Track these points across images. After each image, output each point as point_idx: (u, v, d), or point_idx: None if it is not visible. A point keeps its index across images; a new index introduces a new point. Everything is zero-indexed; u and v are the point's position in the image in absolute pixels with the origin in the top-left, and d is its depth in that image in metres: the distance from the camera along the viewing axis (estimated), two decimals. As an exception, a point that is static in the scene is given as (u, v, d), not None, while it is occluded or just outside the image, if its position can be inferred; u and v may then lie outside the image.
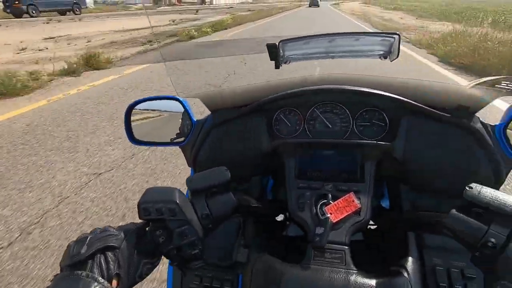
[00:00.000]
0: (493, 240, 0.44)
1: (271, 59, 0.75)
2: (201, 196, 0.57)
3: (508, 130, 0.67)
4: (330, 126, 0.80)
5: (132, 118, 0.87)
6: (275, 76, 0.94)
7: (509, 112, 0.66)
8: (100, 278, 0.44)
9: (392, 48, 0.70)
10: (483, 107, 0.67)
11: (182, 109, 0.83)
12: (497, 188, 0.68)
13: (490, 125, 0.69)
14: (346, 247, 0.61)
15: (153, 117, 0.90)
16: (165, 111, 0.88)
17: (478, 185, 0.49)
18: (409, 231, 0.69)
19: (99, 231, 0.50)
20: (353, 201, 0.66)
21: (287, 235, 0.84)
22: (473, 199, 0.47)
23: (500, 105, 1.84)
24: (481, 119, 0.69)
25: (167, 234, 0.52)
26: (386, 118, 0.76)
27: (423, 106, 0.69)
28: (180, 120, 0.87)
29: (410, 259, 0.63)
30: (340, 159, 0.76)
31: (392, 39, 0.69)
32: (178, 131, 0.88)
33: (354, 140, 0.76)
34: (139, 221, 0.54)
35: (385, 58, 0.73)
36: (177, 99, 0.82)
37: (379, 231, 0.85)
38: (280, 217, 0.93)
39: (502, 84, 0.73)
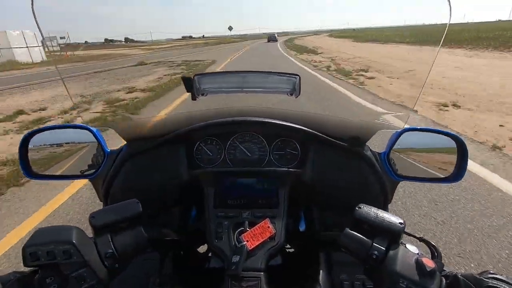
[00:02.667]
0: (376, 253, 0.51)
1: (187, 91, 0.77)
2: (106, 233, 0.52)
3: (392, 156, 0.81)
4: (250, 155, 0.85)
5: (33, 149, 0.77)
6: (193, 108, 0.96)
7: (390, 142, 0.80)
8: None
9: (296, 86, 0.80)
10: (371, 137, 0.80)
11: (93, 139, 0.78)
12: (386, 206, 0.80)
13: (377, 152, 0.82)
14: (262, 273, 0.63)
15: (58, 148, 0.81)
16: (73, 142, 0.81)
17: (365, 205, 0.56)
18: (320, 250, 0.75)
19: None
20: (268, 227, 0.69)
21: (209, 267, 0.82)
22: (360, 218, 0.54)
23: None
24: (370, 147, 0.82)
25: (60, 281, 0.45)
26: (298, 147, 0.84)
27: (325, 136, 0.78)
28: (91, 151, 0.81)
29: (321, 277, 0.68)
30: (258, 187, 0.80)
31: (295, 79, 0.79)
32: (89, 163, 0.81)
33: (270, 168, 0.81)
34: (26, 269, 0.47)
35: (291, 95, 0.82)
36: (87, 128, 0.77)
37: (296, 254, 0.90)
38: (203, 248, 0.91)
39: (382, 119, 0.89)
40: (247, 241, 0.66)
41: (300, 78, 0.79)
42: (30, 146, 0.75)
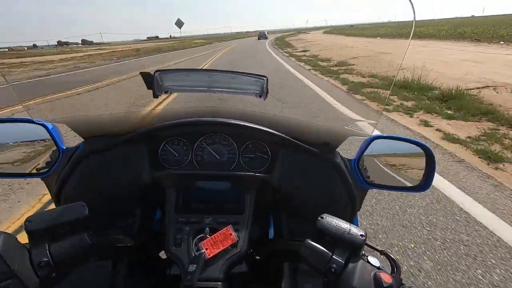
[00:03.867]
0: (334, 266, 0.48)
1: (147, 88, 0.73)
2: (43, 239, 0.47)
3: (362, 163, 0.80)
4: (218, 157, 0.81)
5: None
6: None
7: (360, 149, 0.79)
8: None
9: (263, 89, 0.78)
10: (340, 143, 0.79)
11: (46, 135, 0.72)
12: (355, 213, 0.79)
13: (347, 159, 0.81)
14: (220, 283, 0.59)
15: (6, 143, 0.75)
16: (24, 137, 0.74)
17: (328, 215, 0.54)
18: (285, 259, 0.72)
19: None
20: (230, 234, 0.65)
21: (170, 274, 0.78)
22: (322, 228, 0.52)
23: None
24: (340, 154, 0.81)
25: None
26: (269, 151, 0.82)
27: (295, 141, 0.76)
28: (43, 148, 0.75)
29: (283, 286, 0.66)
30: (224, 191, 0.76)
31: (262, 81, 0.77)
32: (42, 161, 0.75)
33: (239, 172, 0.78)
34: None
35: (260, 96, 0.79)
36: (41, 124, 0.71)
37: (262, 262, 0.87)
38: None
39: (352, 126, 0.88)
40: (206, 248, 0.62)
41: (267, 80, 0.76)
42: None
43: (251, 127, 0.75)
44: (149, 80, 0.71)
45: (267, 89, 0.77)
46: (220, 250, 0.63)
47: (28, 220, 0.47)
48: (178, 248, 0.64)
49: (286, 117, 0.87)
